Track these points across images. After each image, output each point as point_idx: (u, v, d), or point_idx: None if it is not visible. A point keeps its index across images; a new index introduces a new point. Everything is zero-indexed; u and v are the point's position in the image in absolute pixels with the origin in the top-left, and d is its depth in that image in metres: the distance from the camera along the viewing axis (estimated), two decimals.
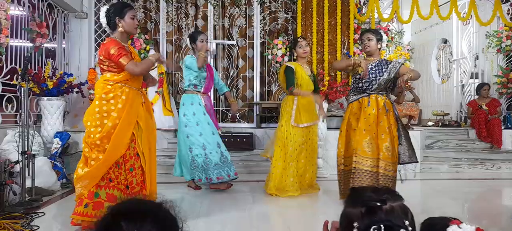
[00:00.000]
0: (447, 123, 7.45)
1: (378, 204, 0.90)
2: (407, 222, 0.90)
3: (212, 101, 4.35)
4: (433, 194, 4.37)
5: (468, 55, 7.99)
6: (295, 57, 4.22)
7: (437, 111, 7.78)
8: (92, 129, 2.67)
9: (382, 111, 3.38)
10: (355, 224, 0.90)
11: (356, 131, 3.37)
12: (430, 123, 7.69)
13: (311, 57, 6.27)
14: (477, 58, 7.62)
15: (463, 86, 8.13)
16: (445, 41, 8.90)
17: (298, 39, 4.18)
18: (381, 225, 0.86)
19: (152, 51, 6.05)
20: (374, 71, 3.45)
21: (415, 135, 5.57)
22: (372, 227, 0.87)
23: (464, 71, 8.19)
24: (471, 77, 7.81)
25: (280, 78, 4.20)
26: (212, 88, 4.31)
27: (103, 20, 2.80)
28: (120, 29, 2.77)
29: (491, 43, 6.92)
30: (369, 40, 3.48)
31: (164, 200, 0.93)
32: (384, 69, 3.44)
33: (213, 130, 4.02)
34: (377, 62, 3.49)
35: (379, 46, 3.51)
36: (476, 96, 6.91)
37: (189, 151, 3.94)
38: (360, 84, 3.47)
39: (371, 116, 3.38)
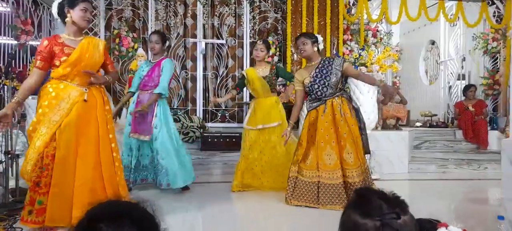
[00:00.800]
0: (434, 124, 7.54)
1: (394, 216, 0.86)
2: None
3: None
4: (421, 194, 4.41)
5: (455, 57, 8.10)
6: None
7: (425, 112, 7.86)
8: (30, 127, 2.65)
9: (338, 117, 3.38)
10: None
11: (315, 144, 3.37)
12: (418, 124, 7.76)
13: (301, 58, 6.26)
14: (464, 59, 7.73)
15: (450, 87, 8.23)
16: (433, 43, 9.00)
17: (258, 42, 4.33)
18: None
19: (140, 50, 5.97)
20: (320, 77, 3.43)
21: (403, 135, 5.62)
22: None
23: (451, 73, 8.30)
24: (458, 79, 7.92)
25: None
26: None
27: (54, 10, 2.67)
28: (67, 19, 2.64)
29: (477, 45, 7.02)
30: (304, 44, 3.47)
31: (141, 199, 0.90)
32: (329, 72, 3.41)
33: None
34: (320, 66, 3.47)
35: (315, 48, 3.50)
36: (463, 98, 7.00)
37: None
38: (314, 92, 3.46)
39: (328, 124, 3.39)
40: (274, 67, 4.27)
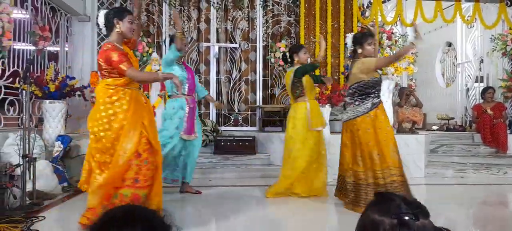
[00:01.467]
0: (451, 127, 7.38)
1: (413, 218, 0.85)
2: None
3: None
4: (438, 199, 4.31)
5: (473, 59, 7.93)
6: (294, 62, 4.12)
7: (441, 115, 7.72)
8: (101, 133, 2.71)
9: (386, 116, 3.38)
10: None
11: (380, 143, 3.25)
12: (434, 127, 7.62)
13: (314, 58, 6.23)
14: (482, 61, 7.56)
15: (468, 90, 8.06)
16: (450, 45, 8.84)
17: (304, 46, 4.22)
18: None
19: (154, 55, 6.04)
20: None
21: (419, 139, 5.51)
22: None
23: (468, 75, 8.13)
24: (476, 81, 7.74)
25: (287, 82, 4.13)
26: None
27: (101, 20, 2.83)
28: (117, 30, 2.80)
29: (496, 47, 6.85)
30: (374, 44, 3.43)
31: (158, 208, 0.90)
32: None
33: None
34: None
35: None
36: (481, 100, 6.85)
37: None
38: (377, 88, 3.34)
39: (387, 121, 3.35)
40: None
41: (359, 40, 3.40)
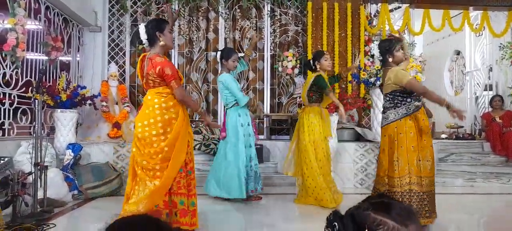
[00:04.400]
0: (461, 136, 7.32)
1: (360, 211, 0.92)
2: None
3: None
4: (448, 209, 4.26)
5: (482, 67, 7.88)
6: (317, 68, 4.20)
7: (450, 123, 7.65)
8: (154, 138, 2.72)
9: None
10: (335, 224, 0.93)
11: (417, 149, 3.18)
12: (443, 136, 7.56)
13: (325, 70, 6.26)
14: (491, 70, 7.51)
15: (477, 98, 8.00)
16: (458, 53, 8.80)
17: (325, 53, 4.28)
18: None
19: None
20: None
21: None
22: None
23: (477, 83, 8.07)
24: (485, 89, 7.69)
25: (306, 85, 4.21)
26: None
27: (143, 36, 2.83)
28: (161, 43, 2.82)
29: (505, 55, 6.81)
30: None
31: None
32: None
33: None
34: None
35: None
36: (490, 109, 6.79)
37: (248, 161, 4.15)
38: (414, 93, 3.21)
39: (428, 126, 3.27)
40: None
41: (387, 48, 3.33)
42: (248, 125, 4.21)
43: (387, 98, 3.31)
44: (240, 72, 6.70)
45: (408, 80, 3.13)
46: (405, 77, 3.15)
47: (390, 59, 3.32)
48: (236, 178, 4.00)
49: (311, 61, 4.29)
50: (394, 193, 3.14)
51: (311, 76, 4.19)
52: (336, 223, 0.91)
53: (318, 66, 4.16)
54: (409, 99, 3.21)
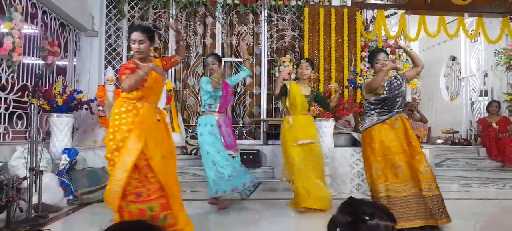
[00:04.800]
0: (456, 141, 7.35)
1: (366, 217, 0.92)
2: None
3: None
4: None
5: (477, 73, 7.94)
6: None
7: (446, 129, 7.70)
8: (111, 142, 2.75)
9: (411, 131, 3.33)
10: (338, 229, 0.94)
11: (386, 157, 3.24)
12: (439, 141, 7.59)
13: (318, 75, 6.29)
14: (486, 75, 7.56)
15: (472, 103, 8.05)
16: (454, 59, 8.87)
17: (302, 60, 4.33)
18: None
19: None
20: (393, 88, 3.34)
21: (424, 153, 5.49)
22: None
23: (473, 89, 8.12)
24: (481, 95, 7.74)
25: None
26: (230, 106, 4.41)
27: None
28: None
29: (500, 61, 6.87)
30: (385, 60, 3.41)
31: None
32: (400, 83, 3.37)
33: (220, 150, 4.09)
34: (391, 77, 3.44)
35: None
36: (486, 114, 6.83)
37: (212, 165, 4.03)
38: (388, 100, 3.33)
39: (401, 137, 3.28)
40: (314, 91, 4.31)
41: (369, 60, 3.53)
42: (209, 133, 4.11)
43: (363, 105, 3.54)
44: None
45: (366, 84, 3.43)
46: (365, 85, 3.45)
47: (372, 70, 3.46)
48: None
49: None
50: (379, 199, 3.22)
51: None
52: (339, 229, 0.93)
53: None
54: (377, 109, 3.35)
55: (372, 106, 3.39)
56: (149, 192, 2.71)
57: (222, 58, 4.45)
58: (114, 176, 2.69)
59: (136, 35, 2.82)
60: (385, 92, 3.33)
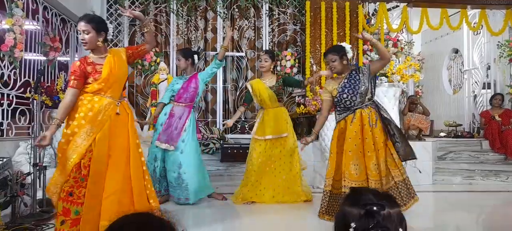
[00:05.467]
0: (459, 134, 7.34)
1: (377, 208, 0.91)
2: (401, 230, 0.92)
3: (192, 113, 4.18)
4: (447, 207, 4.28)
5: (480, 65, 7.90)
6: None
7: (449, 122, 7.67)
8: (63, 132, 2.65)
9: (367, 127, 3.30)
10: (353, 224, 0.91)
11: (343, 153, 3.31)
12: (442, 134, 7.58)
13: (320, 67, 6.26)
14: (489, 68, 7.52)
15: (475, 96, 8.02)
16: (456, 51, 8.82)
17: (261, 53, 4.47)
18: (378, 229, 0.89)
19: (162, 64, 6.12)
20: (349, 87, 3.36)
21: (426, 145, 5.50)
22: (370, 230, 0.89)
23: (476, 82, 8.08)
24: (483, 88, 7.70)
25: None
26: (192, 100, 4.16)
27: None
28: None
29: (503, 53, 6.83)
30: (332, 61, 3.41)
31: (164, 211, 0.93)
32: (358, 81, 3.35)
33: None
34: (349, 76, 3.40)
35: (344, 61, 3.43)
36: (489, 107, 6.80)
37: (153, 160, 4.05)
38: (343, 102, 3.39)
39: (356, 134, 3.31)
40: (280, 77, 4.31)
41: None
42: (161, 124, 4.05)
43: None
44: (239, 71, 6.74)
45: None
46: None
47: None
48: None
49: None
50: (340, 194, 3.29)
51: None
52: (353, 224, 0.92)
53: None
54: (337, 108, 3.49)
55: (336, 106, 3.50)
56: (80, 194, 2.57)
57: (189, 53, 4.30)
58: (58, 168, 2.59)
59: (80, 25, 2.67)
60: (338, 95, 3.39)
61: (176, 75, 6.52)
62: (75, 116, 2.63)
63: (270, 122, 4.16)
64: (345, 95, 3.36)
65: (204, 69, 6.67)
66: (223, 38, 6.64)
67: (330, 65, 3.44)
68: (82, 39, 2.68)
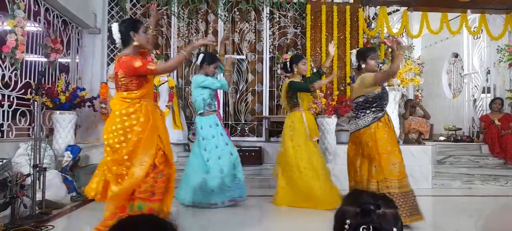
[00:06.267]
0: (459, 138, 7.34)
1: (373, 207, 0.95)
2: (395, 229, 0.95)
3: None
4: (446, 212, 4.28)
5: (480, 70, 7.91)
6: (294, 72, 4.21)
7: (448, 126, 7.68)
8: (117, 145, 2.65)
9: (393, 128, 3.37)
10: (348, 221, 0.95)
11: (390, 153, 3.23)
12: (441, 138, 7.59)
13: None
14: (488, 72, 7.54)
15: (475, 100, 8.03)
16: (456, 56, 8.84)
17: (303, 57, 4.34)
18: (370, 226, 0.93)
19: None
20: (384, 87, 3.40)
21: (426, 149, 5.50)
22: (362, 227, 0.93)
23: (475, 86, 8.10)
24: (483, 92, 7.71)
25: (284, 95, 4.24)
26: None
27: (116, 35, 2.74)
28: (134, 43, 2.75)
29: (502, 58, 6.84)
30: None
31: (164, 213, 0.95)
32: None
33: (232, 150, 4.02)
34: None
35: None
36: (489, 111, 6.81)
37: (205, 174, 3.92)
38: (385, 99, 3.36)
39: (392, 132, 3.32)
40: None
41: (362, 55, 3.44)
42: (213, 137, 3.98)
43: (355, 104, 3.42)
44: (239, 74, 6.76)
45: (375, 76, 3.25)
46: (371, 76, 3.26)
47: (363, 66, 3.41)
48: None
49: (289, 64, 4.29)
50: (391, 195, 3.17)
51: (285, 83, 4.23)
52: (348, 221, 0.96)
53: (295, 70, 4.17)
54: (369, 109, 3.31)
55: (366, 105, 3.32)
56: (160, 190, 2.72)
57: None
58: (132, 175, 2.63)
59: (145, 27, 2.87)
60: (381, 88, 3.33)
61: (177, 77, 6.54)
62: (133, 123, 2.70)
63: (312, 124, 4.16)
64: (385, 95, 3.35)
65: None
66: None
67: (374, 60, 3.40)
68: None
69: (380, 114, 3.32)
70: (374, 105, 3.31)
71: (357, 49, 3.59)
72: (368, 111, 3.32)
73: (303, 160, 3.98)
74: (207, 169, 3.90)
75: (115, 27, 2.75)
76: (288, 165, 4.05)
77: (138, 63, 2.63)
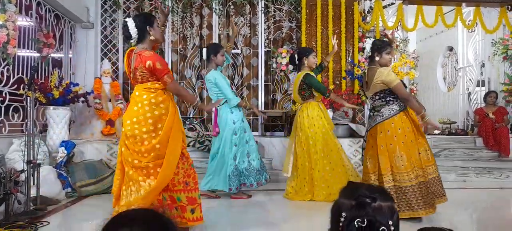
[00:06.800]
0: (453, 131, 7.39)
1: (368, 200, 0.96)
2: (391, 222, 0.95)
3: None
4: (441, 204, 4.30)
5: (474, 63, 7.95)
6: (304, 65, 4.21)
7: (443, 119, 7.72)
8: (145, 135, 2.61)
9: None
10: (343, 214, 0.96)
11: (415, 142, 3.30)
12: (436, 131, 7.62)
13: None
14: (483, 66, 7.57)
15: (469, 94, 8.07)
16: (451, 49, 8.87)
17: (314, 50, 4.38)
18: (365, 219, 0.93)
19: None
20: None
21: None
22: (356, 220, 0.93)
23: (470, 79, 8.14)
24: (478, 85, 7.76)
25: (296, 86, 4.19)
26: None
27: (133, 31, 2.65)
28: (151, 37, 2.69)
29: (497, 51, 6.88)
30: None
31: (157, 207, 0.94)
32: None
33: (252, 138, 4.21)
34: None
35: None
36: (483, 104, 6.86)
37: (233, 160, 4.02)
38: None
39: (413, 126, 3.35)
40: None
41: (378, 48, 3.42)
42: (243, 121, 4.13)
43: (377, 97, 3.40)
44: (234, 69, 6.73)
45: (396, 85, 3.28)
46: (394, 81, 3.28)
47: (377, 58, 3.41)
48: (223, 171, 4.03)
49: (297, 56, 4.27)
50: (405, 188, 3.20)
51: (299, 75, 4.18)
52: (344, 213, 0.96)
53: (305, 62, 4.17)
54: (397, 100, 3.35)
55: (393, 96, 3.33)
56: (195, 180, 2.78)
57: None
58: (167, 166, 2.60)
59: (158, 22, 2.87)
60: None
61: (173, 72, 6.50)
62: (163, 112, 2.70)
63: (327, 114, 4.27)
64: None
65: (199, 67, 6.68)
66: (219, 35, 6.63)
67: (389, 55, 3.44)
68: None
69: (402, 105, 3.35)
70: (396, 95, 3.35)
71: (374, 40, 3.57)
72: (395, 101, 3.33)
73: (313, 149, 4.04)
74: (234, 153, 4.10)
75: (131, 22, 2.67)
76: (328, 149, 4.07)
77: (159, 66, 2.62)
